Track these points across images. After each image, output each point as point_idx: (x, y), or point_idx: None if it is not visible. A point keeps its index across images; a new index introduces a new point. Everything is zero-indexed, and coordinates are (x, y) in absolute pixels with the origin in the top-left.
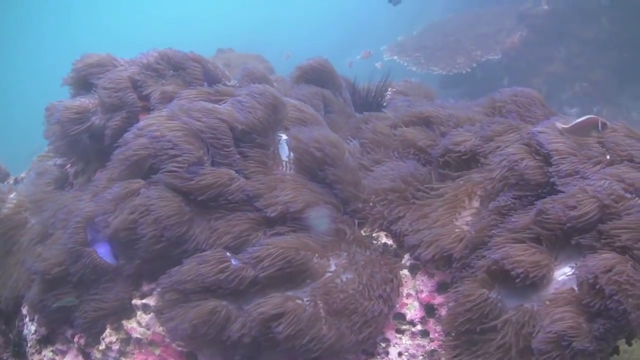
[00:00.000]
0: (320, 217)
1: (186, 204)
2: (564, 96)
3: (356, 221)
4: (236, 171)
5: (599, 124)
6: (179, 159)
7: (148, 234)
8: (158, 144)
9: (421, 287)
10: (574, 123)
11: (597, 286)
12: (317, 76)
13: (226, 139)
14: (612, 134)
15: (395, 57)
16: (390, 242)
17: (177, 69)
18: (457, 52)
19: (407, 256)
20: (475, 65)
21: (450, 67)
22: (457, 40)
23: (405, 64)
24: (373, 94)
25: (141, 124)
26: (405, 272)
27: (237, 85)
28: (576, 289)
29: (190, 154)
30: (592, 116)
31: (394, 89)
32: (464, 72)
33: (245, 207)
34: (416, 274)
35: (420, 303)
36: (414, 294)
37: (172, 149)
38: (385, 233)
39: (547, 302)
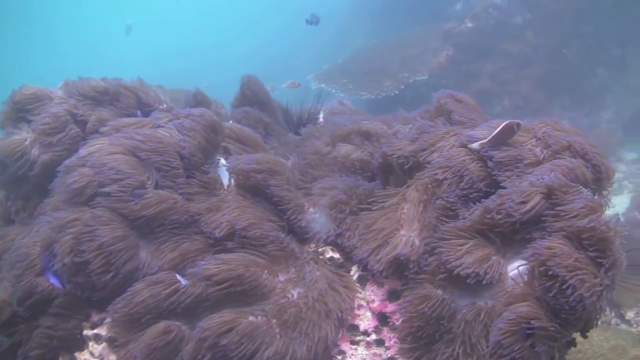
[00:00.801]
0: (267, 235)
1: (131, 228)
2: (493, 111)
3: (302, 237)
4: (180, 194)
5: (514, 127)
6: (122, 182)
7: (93, 260)
8: (100, 170)
9: (372, 297)
10: (491, 137)
11: (550, 272)
12: (254, 99)
13: (175, 162)
14: (546, 127)
15: (323, 85)
16: (337, 255)
17: (112, 98)
18: (384, 76)
19: (354, 268)
20: (403, 87)
21: (378, 90)
22: (383, 64)
23: (334, 90)
24: (306, 116)
25: (82, 151)
26: (354, 283)
27: (172, 107)
28: (528, 279)
29: (133, 178)
30: (505, 123)
31: (327, 111)
32: (392, 94)
33: (192, 229)
34: (365, 284)
35: (373, 313)
36: (365, 305)
37: (115, 174)
38: (331, 247)
39: (501, 297)
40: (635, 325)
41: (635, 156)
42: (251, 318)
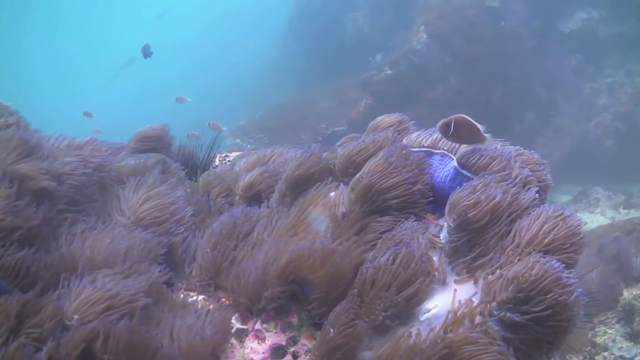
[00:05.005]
0: None
1: None
2: None
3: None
4: None
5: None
6: None
7: None
8: None
9: (251, 356)
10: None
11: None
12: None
13: None
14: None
15: (238, 140)
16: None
17: None
18: (301, 129)
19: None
20: (320, 139)
21: (295, 143)
22: (300, 117)
23: (249, 145)
24: (201, 159)
25: None
26: (232, 340)
27: None
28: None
29: None
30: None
31: (236, 154)
32: None
33: None
34: (244, 340)
35: None
36: None
37: None
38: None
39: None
40: None
41: (569, 198)
42: None
